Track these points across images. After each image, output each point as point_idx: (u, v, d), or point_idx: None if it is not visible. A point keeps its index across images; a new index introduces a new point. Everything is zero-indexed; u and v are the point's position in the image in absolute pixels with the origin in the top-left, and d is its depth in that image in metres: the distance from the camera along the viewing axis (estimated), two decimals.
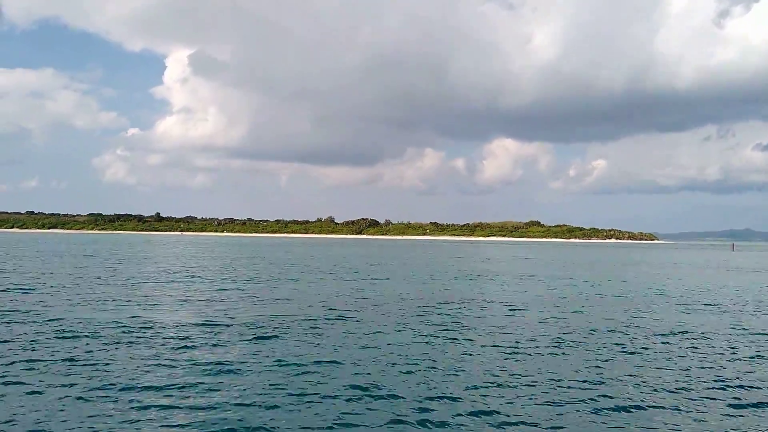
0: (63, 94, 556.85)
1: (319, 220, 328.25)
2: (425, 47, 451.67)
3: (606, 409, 9.72)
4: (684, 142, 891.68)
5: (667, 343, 15.22)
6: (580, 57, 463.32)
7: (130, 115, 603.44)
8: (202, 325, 16.54)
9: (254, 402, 9.72)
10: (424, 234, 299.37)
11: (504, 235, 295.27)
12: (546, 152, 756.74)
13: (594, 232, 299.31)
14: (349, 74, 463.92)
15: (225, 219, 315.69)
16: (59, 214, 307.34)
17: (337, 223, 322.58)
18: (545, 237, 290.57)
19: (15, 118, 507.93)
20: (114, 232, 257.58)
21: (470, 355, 13.33)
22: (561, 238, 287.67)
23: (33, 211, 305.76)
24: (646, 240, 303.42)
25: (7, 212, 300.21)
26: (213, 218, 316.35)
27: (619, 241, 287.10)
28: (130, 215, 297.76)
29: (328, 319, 18.10)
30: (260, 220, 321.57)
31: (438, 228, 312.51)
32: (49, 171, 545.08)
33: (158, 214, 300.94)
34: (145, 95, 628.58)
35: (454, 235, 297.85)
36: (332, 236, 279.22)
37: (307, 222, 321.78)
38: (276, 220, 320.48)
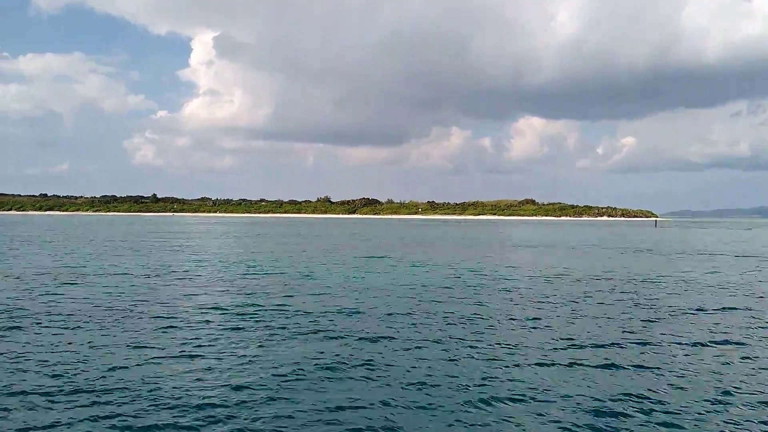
0: (91, 78, 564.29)
1: (319, 200, 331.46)
2: (447, 25, 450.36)
3: None
4: (713, 118, 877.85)
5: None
6: (604, 33, 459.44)
7: (158, 98, 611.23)
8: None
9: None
10: (416, 213, 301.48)
11: (495, 214, 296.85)
12: (573, 130, 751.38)
13: (586, 210, 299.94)
14: (371, 54, 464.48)
15: (219, 199, 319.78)
16: (59, 196, 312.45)
17: (332, 203, 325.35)
18: (536, 215, 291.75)
19: (45, 102, 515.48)
20: (108, 213, 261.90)
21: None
22: (552, 216, 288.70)
23: (58, 195, 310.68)
24: (640, 217, 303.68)
25: (11, 194, 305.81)
26: (223, 198, 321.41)
27: (611, 218, 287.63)
28: (128, 196, 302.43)
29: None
30: (256, 201, 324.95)
31: (431, 207, 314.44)
32: (79, 154, 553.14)
33: (155, 195, 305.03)
34: (171, 78, 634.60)
35: (447, 214, 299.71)
36: (325, 216, 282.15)
37: (301, 202, 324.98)
38: (272, 201, 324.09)
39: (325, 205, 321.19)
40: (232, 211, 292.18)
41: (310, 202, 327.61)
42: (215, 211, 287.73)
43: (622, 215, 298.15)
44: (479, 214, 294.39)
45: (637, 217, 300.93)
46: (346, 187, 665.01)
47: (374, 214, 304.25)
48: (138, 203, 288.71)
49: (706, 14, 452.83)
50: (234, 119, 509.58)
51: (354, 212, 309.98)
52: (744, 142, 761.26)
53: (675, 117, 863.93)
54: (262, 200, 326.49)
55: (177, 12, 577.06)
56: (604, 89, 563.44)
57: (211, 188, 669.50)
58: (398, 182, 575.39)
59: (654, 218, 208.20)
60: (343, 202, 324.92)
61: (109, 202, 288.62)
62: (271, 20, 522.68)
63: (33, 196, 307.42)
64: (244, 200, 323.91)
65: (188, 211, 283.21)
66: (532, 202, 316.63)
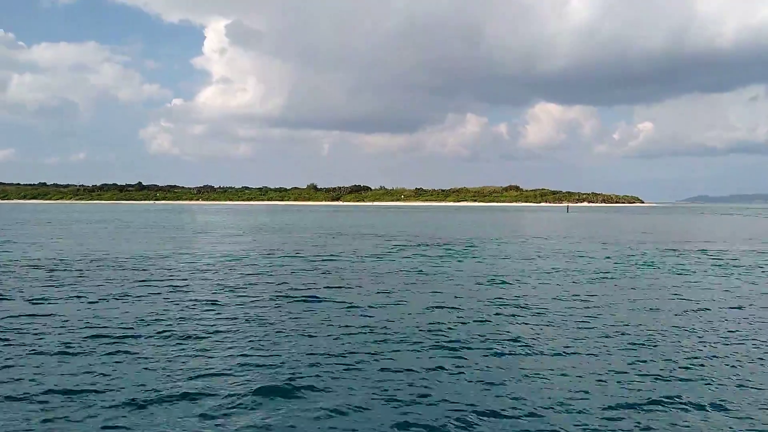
0: (105, 67, 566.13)
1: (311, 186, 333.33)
2: (461, 11, 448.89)
3: None
4: (730, 102, 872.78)
5: None
6: (618, 18, 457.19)
7: (173, 86, 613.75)
8: None
9: None
10: (400, 200, 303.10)
11: (476, 200, 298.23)
12: (589, 116, 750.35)
13: (567, 196, 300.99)
14: (385, 41, 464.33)
15: (203, 186, 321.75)
16: (45, 184, 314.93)
17: (318, 190, 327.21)
18: (518, 201, 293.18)
19: (61, 92, 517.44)
20: (90, 202, 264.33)
21: None
22: (533, 202, 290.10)
23: (74, 184, 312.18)
24: (623, 203, 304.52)
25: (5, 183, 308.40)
26: (229, 186, 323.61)
27: (591, 204, 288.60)
28: (112, 184, 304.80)
29: None
30: (241, 188, 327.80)
31: (417, 194, 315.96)
32: (96, 143, 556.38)
33: (140, 183, 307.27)
34: (185, 66, 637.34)
35: (431, 200, 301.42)
36: (308, 203, 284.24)
37: (288, 189, 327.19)
38: (257, 188, 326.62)
39: (310, 192, 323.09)
40: (215, 199, 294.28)
41: (298, 189, 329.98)
42: (197, 199, 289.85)
43: (604, 201, 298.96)
44: (461, 201, 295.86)
45: (619, 203, 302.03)
46: (361, 175, 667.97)
47: (358, 201, 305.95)
48: (122, 191, 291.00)
49: None
50: (249, 107, 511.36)
51: (338, 199, 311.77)
52: (763, 126, 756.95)
53: (692, 102, 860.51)
54: (245, 188, 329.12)
55: (189, 0, 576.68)
56: (619, 75, 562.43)
57: (227, 176, 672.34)
58: (414, 169, 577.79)
59: (567, 204, 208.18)
60: (328, 189, 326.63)
61: (93, 191, 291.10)
62: (284, 8, 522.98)
63: (19, 184, 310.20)
64: (230, 187, 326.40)
65: (171, 199, 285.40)
66: (516, 188, 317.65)
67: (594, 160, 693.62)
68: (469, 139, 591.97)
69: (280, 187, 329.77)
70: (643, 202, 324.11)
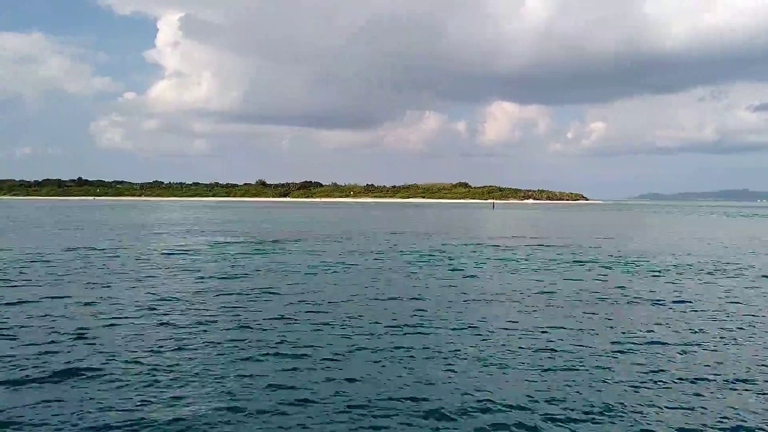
0: (54, 59, 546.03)
1: (261, 183, 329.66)
2: (422, 9, 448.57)
3: None
4: (680, 103, 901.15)
5: None
6: (573, 19, 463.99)
7: (125, 80, 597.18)
8: None
9: None
10: (349, 196, 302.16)
11: (425, 197, 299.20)
12: (544, 115, 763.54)
13: (513, 193, 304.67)
14: (345, 36, 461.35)
15: (153, 182, 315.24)
16: None
17: (266, 186, 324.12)
18: (467, 198, 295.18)
19: (6, 84, 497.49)
20: (27, 198, 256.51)
21: None
22: (481, 198, 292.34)
23: (14, 179, 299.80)
24: (567, 200, 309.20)
25: None
26: (179, 182, 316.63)
27: (536, 201, 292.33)
28: (55, 180, 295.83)
29: None
30: (189, 183, 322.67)
31: (367, 190, 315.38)
32: (43, 137, 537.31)
33: (80, 178, 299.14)
34: (138, 59, 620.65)
35: (380, 197, 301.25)
36: (256, 199, 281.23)
37: (236, 185, 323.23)
38: (204, 184, 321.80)
39: (259, 188, 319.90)
40: (159, 195, 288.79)
41: (246, 185, 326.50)
42: (140, 195, 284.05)
43: (548, 198, 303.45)
44: (410, 198, 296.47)
45: (562, 200, 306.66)
46: (320, 171, 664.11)
47: (308, 197, 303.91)
48: (60, 187, 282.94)
49: (670, 2, 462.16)
50: (205, 102, 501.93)
51: (287, 195, 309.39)
52: (710, 126, 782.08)
53: (643, 102, 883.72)
54: (195, 183, 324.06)
55: None
56: (574, 75, 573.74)
57: (184, 172, 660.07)
58: (374, 166, 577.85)
59: (493, 201, 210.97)
60: (277, 186, 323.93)
61: (30, 186, 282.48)
62: (242, 1, 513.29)
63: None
64: (181, 183, 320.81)
65: (112, 195, 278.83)
66: (465, 185, 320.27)
67: (549, 158, 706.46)
68: (428, 135, 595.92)
69: (228, 183, 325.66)
70: (587, 200, 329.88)
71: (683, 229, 60.33)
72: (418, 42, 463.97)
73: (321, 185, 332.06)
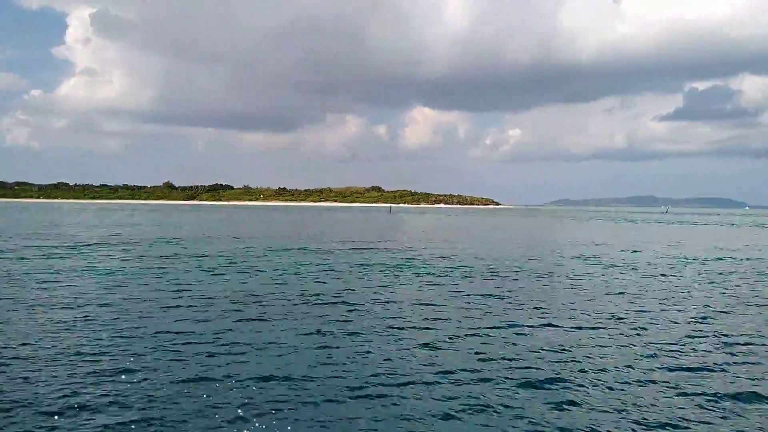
0: None
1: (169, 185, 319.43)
2: (342, 13, 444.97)
3: None
4: (590, 112, 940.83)
5: None
6: (491, 28, 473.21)
7: (32, 77, 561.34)
8: None
9: None
10: (259, 200, 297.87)
11: (338, 201, 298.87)
12: (464, 121, 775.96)
13: (425, 197, 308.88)
14: (264, 38, 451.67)
15: (53, 184, 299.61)
16: None
17: (173, 188, 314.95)
18: (379, 201, 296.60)
19: None
20: None
21: None
22: (393, 202, 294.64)
23: None
24: (477, 205, 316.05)
25: None
26: (85, 184, 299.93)
27: (447, 206, 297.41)
28: None
29: None
30: (97, 186, 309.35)
31: (278, 194, 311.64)
32: None
33: None
34: (45, 56, 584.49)
35: (292, 200, 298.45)
36: (162, 202, 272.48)
37: (141, 187, 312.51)
38: (110, 186, 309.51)
39: (165, 190, 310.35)
40: (57, 197, 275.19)
41: (156, 187, 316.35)
42: (38, 197, 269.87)
43: (458, 203, 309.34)
44: (322, 201, 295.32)
45: (474, 204, 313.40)
46: (236, 173, 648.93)
47: (216, 200, 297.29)
48: None
49: (581, 14, 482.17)
50: (117, 101, 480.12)
51: (194, 198, 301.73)
52: (619, 134, 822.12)
53: (557, 110, 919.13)
54: (102, 185, 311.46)
55: None
56: (492, 83, 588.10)
57: (96, 173, 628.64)
58: (293, 169, 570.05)
59: (390, 205, 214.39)
60: (184, 188, 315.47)
61: None
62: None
63: None
64: (88, 185, 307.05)
65: (9, 197, 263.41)
66: (378, 189, 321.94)
67: (468, 164, 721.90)
68: (349, 139, 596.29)
69: (134, 185, 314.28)
70: (497, 204, 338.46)
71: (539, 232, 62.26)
72: (339, 45, 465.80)
73: (232, 188, 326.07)
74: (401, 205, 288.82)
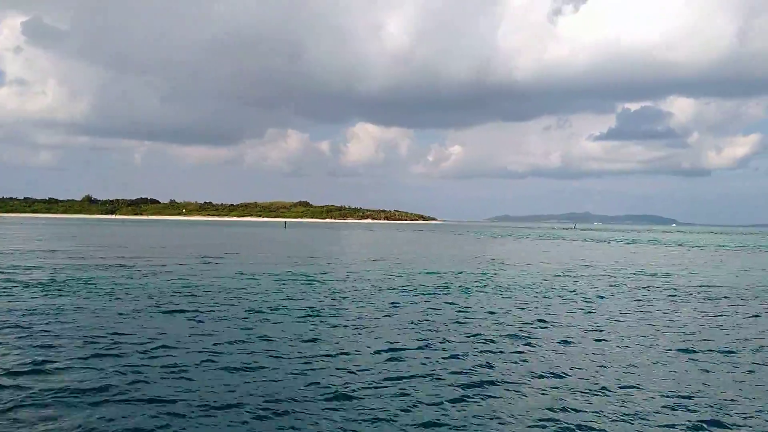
0: None
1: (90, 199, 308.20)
2: (281, 28, 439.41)
3: None
4: (528, 131, 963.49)
5: None
6: (430, 46, 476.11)
7: None
8: None
9: None
10: (181, 214, 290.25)
11: (263, 216, 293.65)
12: (406, 137, 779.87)
13: (352, 212, 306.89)
14: (204, 50, 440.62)
15: None
16: None
17: (93, 202, 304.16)
18: (305, 217, 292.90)
19: None
20: None
21: None
22: (319, 218, 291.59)
23: None
24: (406, 220, 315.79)
25: None
26: (10, 197, 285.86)
27: (374, 221, 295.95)
28: None
29: None
30: (21, 199, 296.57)
31: (201, 208, 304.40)
32: None
33: None
34: None
35: (216, 215, 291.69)
36: (80, 216, 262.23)
37: (55, 200, 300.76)
38: (21, 199, 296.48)
39: (84, 204, 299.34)
40: None
41: (74, 201, 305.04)
42: None
43: (386, 218, 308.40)
44: (246, 216, 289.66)
45: (402, 220, 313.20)
46: (174, 187, 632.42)
47: (137, 214, 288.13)
48: None
49: (517, 35, 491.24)
50: (50, 112, 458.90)
51: (114, 213, 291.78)
52: (555, 153, 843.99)
53: (496, 129, 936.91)
54: (12, 198, 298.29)
55: None
56: (432, 100, 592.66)
57: (24, 186, 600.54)
58: (234, 183, 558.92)
59: (284, 220, 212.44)
60: (104, 202, 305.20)
61: None
62: (92, 9, 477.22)
63: None
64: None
65: None
66: (305, 203, 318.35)
67: (411, 179, 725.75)
68: (291, 154, 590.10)
69: (50, 198, 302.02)
70: (429, 220, 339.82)
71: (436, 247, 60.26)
72: (277, 60, 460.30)
73: (158, 202, 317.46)
74: (328, 220, 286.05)
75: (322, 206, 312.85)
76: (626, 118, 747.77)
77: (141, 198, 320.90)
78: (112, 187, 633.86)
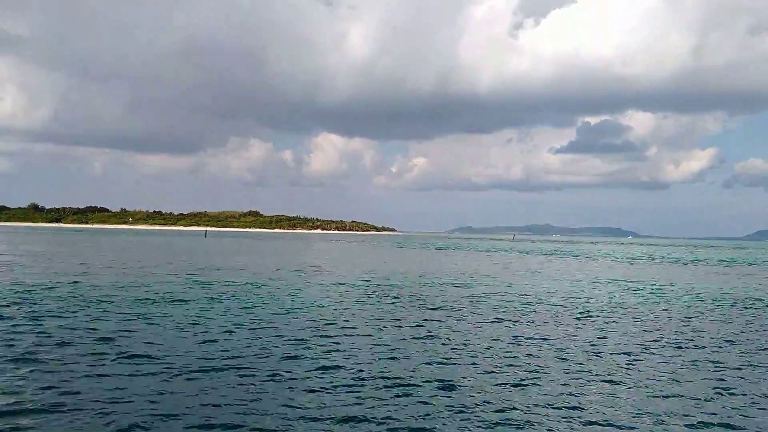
0: None
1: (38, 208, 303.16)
2: (241, 37, 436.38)
3: None
4: (490, 143, 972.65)
5: None
6: (392, 57, 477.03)
7: None
8: None
9: None
10: (127, 223, 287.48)
11: (211, 225, 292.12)
12: (370, 148, 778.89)
13: (300, 222, 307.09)
14: (165, 59, 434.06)
15: None
16: None
17: (38, 210, 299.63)
18: (254, 227, 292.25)
19: None
20: None
21: None
22: (268, 228, 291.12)
23: None
24: (356, 231, 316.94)
25: None
26: None
27: (323, 231, 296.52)
28: None
29: None
30: None
31: (148, 217, 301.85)
32: None
33: None
34: None
35: (163, 224, 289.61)
36: (24, 224, 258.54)
37: (2, 209, 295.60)
38: None
39: (29, 213, 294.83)
40: None
41: (21, 208, 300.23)
42: None
43: (337, 228, 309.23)
44: (193, 225, 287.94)
45: (353, 230, 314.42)
46: (135, 196, 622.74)
47: (83, 223, 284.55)
48: None
49: (478, 49, 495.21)
50: (7, 119, 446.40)
51: (59, 221, 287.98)
52: (517, 165, 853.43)
53: (458, 141, 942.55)
54: None
55: None
56: (394, 111, 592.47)
57: None
58: (194, 192, 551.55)
59: (204, 228, 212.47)
60: (49, 210, 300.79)
61: None
62: (51, 14, 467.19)
63: None
64: None
65: None
66: (255, 213, 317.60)
67: (374, 191, 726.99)
68: (254, 163, 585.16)
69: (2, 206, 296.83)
70: (379, 230, 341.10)
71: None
72: (239, 68, 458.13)
73: (108, 211, 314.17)
74: (276, 230, 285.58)
75: (271, 216, 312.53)
76: (586, 131, 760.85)
77: (90, 206, 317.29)
78: (65, 195, 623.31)
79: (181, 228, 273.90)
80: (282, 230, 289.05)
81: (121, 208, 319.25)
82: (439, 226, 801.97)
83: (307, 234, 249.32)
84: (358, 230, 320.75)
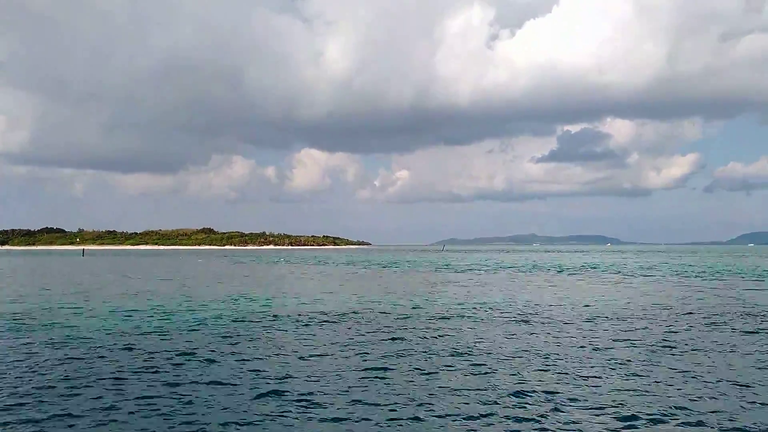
0: None
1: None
2: (220, 55, 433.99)
3: None
4: (471, 154, 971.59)
5: None
6: (370, 72, 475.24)
7: None
8: None
9: None
10: (75, 243, 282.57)
11: (162, 243, 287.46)
12: (352, 162, 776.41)
13: (253, 239, 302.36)
14: (143, 78, 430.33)
15: None
16: None
17: None
18: (207, 244, 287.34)
19: None
20: None
21: None
22: (219, 245, 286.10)
23: None
24: (312, 245, 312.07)
25: None
26: None
27: (277, 246, 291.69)
28: None
29: None
30: None
31: (99, 237, 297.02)
32: None
33: None
34: None
35: (115, 244, 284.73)
36: None
37: None
38: None
39: None
40: None
41: None
42: None
43: (290, 243, 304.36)
44: (142, 244, 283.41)
45: (307, 245, 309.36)
46: (119, 217, 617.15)
47: (29, 245, 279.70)
48: None
49: (456, 61, 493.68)
50: None
51: (6, 243, 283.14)
52: (499, 176, 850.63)
53: (439, 153, 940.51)
54: None
55: None
56: (375, 125, 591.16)
57: None
58: (178, 211, 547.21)
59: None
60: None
61: None
62: (29, 37, 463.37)
63: None
64: None
65: None
66: (209, 230, 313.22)
67: (357, 205, 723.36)
68: (236, 181, 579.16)
69: None
70: (337, 245, 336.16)
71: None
72: (218, 86, 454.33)
73: (63, 231, 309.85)
74: (228, 247, 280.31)
75: (223, 233, 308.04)
76: (567, 140, 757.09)
77: (45, 228, 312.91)
78: (43, 217, 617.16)
79: (128, 247, 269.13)
80: (234, 247, 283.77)
81: (79, 228, 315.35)
82: (424, 239, 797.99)
83: (236, 250, 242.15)
84: (313, 245, 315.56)
